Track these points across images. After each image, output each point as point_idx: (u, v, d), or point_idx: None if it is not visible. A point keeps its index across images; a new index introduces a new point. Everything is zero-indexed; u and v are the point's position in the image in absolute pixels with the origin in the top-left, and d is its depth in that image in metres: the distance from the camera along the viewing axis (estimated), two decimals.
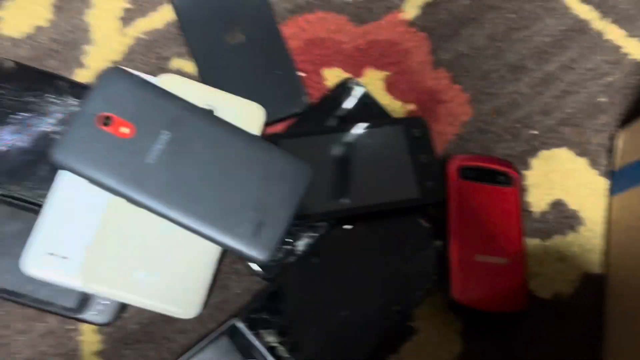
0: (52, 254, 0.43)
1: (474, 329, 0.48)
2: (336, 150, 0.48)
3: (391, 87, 0.53)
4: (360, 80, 0.52)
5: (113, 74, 0.43)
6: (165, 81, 0.46)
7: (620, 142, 0.52)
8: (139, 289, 0.42)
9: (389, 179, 0.48)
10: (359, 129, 0.48)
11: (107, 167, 0.41)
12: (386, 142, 0.48)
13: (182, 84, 0.46)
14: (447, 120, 0.53)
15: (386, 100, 0.52)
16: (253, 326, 0.43)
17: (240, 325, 0.43)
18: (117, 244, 0.43)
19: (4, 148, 0.45)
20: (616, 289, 0.49)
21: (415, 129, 0.49)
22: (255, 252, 0.42)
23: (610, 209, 0.52)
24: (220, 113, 0.46)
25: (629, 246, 0.48)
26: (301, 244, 0.47)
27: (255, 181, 0.43)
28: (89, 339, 0.45)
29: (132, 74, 0.44)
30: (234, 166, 0.43)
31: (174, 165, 0.42)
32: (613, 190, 0.52)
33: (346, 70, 0.53)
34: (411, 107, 0.53)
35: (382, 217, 0.48)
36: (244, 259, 0.45)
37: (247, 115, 0.47)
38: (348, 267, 0.46)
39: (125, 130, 0.42)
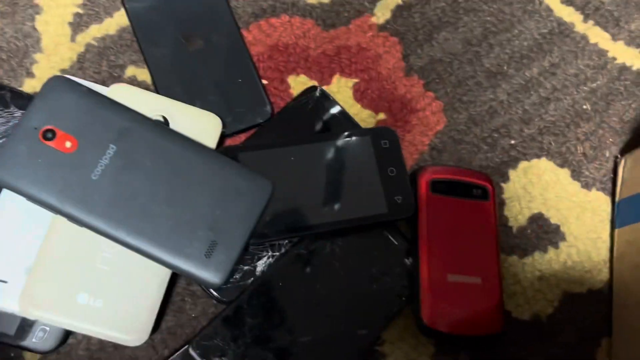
0: None
1: (446, 353, 0.45)
2: (299, 164, 0.45)
3: (361, 95, 0.50)
4: (328, 88, 0.50)
5: (56, 83, 0.40)
6: (116, 91, 0.43)
7: (623, 170, 0.49)
8: (83, 315, 0.39)
9: (355, 193, 0.45)
10: (324, 140, 0.45)
11: (48, 184, 0.38)
12: (353, 154, 0.45)
13: (134, 94, 0.44)
14: (420, 130, 0.50)
15: (355, 109, 0.49)
16: (206, 354, 0.40)
17: (193, 354, 0.40)
18: (59, 266, 0.40)
19: None
20: (622, 333, 0.46)
21: (383, 140, 0.46)
22: (208, 276, 0.39)
23: (612, 242, 0.49)
24: (174, 124, 0.43)
25: (633, 285, 0.45)
26: (260, 264, 0.44)
27: (208, 198, 0.40)
28: None
29: (76, 84, 0.41)
30: (186, 182, 0.40)
31: (121, 181, 0.39)
32: (617, 223, 0.49)
33: (313, 78, 0.50)
34: (382, 116, 0.50)
35: (347, 234, 0.45)
36: (197, 282, 0.43)
37: (202, 126, 0.44)
38: (310, 288, 0.43)
39: (68, 144, 0.39)
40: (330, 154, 0.45)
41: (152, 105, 0.43)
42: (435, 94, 0.51)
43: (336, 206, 0.44)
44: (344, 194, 0.44)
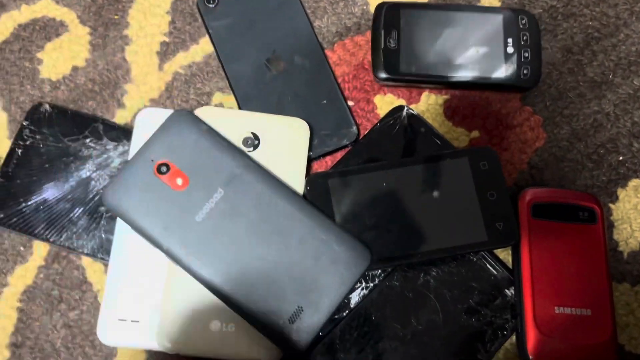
0: (122, 320, 0.41)
1: None
2: (391, 189, 0.43)
3: (452, 112, 0.47)
4: (417, 106, 0.47)
5: (179, 118, 0.40)
6: (203, 114, 0.43)
7: None
8: (218, 342, 0.39)
9: (452, 220, 0.42)
10: (417, 163, 0.43)
11: (154, 218, 0.39)
12: (449, 178, 0.43)
13: (220, 114, 0.43)
14: (518, 147, 0.47)
15: (446, 127, 0.47)
16: None
17: None
18: (188, 298, 0.40)
19: (41, 197, 0.44)
20: None
21: (482, 161, 0.43)
22: (289, 342, 0.38)
23: None
24: (264, 137, 0.43)
25: None
26: (354, 296, 0.42)
27: (304, 261, 0.39)
28: None
29: (198, 120, 0.41)
30: (285, 240, 0.39)
31: (222, 227, 0.39)
32: None
33: (400, 97, 0.48)
34: (475, 134, 0.47)
35: (443, 264, 0.43)
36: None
37: (291, 132, 0.44)
38: (406, 322, 0.41)
39: (180, 181, 0.39)
40: (423, 178, 0.43)
41: (238, 122, 0.43)
42: (533, 108, 0.47)
43: (431, 234, 0.42)
44: (440, 221, 0.42)
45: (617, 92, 0.47)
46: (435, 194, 0.43)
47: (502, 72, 0.46)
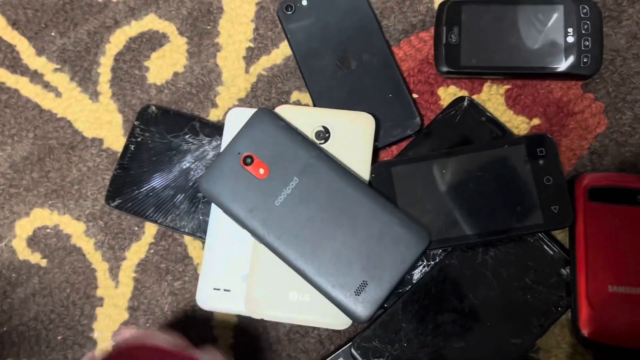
0: (216, 289, 0.48)
1: None
2: (451, 175, 0.46)
3: (513, 101, 0.50)
4: (479, 97, 0.50)
5: (262, 115, 0.47)
6: (281, 111, 0.49)
7: None
8: (296, 309, 0.46)
9: (509, 204, 0.45)
10: (476, 151, 0.47)
11: (241, 202, 0.45)
12: (506, 163, 0.46)
13: (295, 111, 0.49)
14: (579, 134, 0.48)
15: (507, 116, 0.50)
16: (365, 354, 0.45)
17: (355, 353, 0.45)
18: (271, 271, 0.47)
19: (150, 185, 0.52)
20: None
21: (539, 147, 0.46)
22: (354, 311, 0.43)
23: None
24: (334, 130, 0.48)
25: None
26: (416, 272, 0.47)
27: (368, 240, 0.44)
28: (224, 351, 0.50)
29: (278, 117, 0.47)
30: (351, 222, 0.44)
31: (297, 211, 0.45)
32: None
33: (463, 88, 0.51)
34: (536, 121, 0.49)
35: (501, 244, 0.46)
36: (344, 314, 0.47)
37: (358, 125, 0.48)
38: (464, 297, 0.45)
39: (262, 171, 0.46)
40: (482, 164, 0.46)
41: (311, 117, 0.49)
42: (595, 94, 0.49)
43: (489, 217, 0.45)
44: (497, 204, 0.45)
45: None
46: (494, 179, 0.46)
47: (562, 61, 0.48)
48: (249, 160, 0.46)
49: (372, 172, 0.47)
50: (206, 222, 0.50)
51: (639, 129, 0.48)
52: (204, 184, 0.46)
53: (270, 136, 0.46)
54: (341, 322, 0.45)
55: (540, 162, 0.45)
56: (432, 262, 0.47)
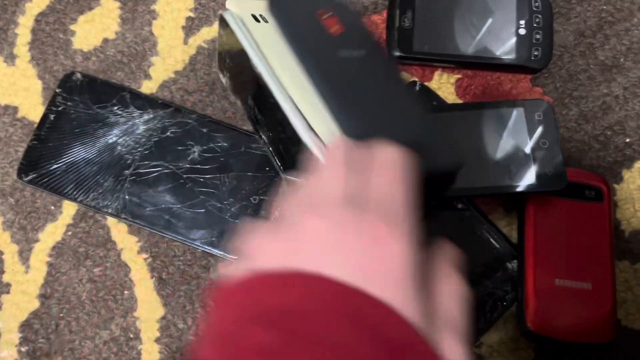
0: None
1: None
2: (449, 128, 0.45)
3: (463, 91, 0.49)
4: (429, 84, 0.49)
5: None
6: None
7: None
8: None
9: (505, 163, 0.44)
10: (475, 109, 0.46)
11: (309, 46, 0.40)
12: (505, 124, 0.45)
13: None
14: None
15: None
16: None
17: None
18: None
19: (70, 160, 0.47)
20: None
21: (537, 112, 0.45)
22: None
23: None
24: None
25: None
26: None
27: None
28: (149, 348, 0.45)
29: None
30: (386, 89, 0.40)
31: (351, 71, 0.40)
32: None
33: (414, 74, 0.49)
34: None
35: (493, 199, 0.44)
36: None
37: None
38: None
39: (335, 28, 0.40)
40: (481, 123, 0.45)
41: None
42: (543, 89, 0.49)
43: (485, 173, 0.44)
44: (494, 162, 0.44)
45: (628, 75, 0.48)
46: (492, 137, 0.45)
47: (514, 52, 0.47)
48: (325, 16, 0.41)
49: None
50: (132, 203, 0.46)
51: (584, 125, 0.48)
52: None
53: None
54: None
55: (538, 126, 0.45)
56: None
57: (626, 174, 0.47)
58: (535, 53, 0.47)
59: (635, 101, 0.48)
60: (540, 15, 0.48)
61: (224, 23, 0.42)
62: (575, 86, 0.49)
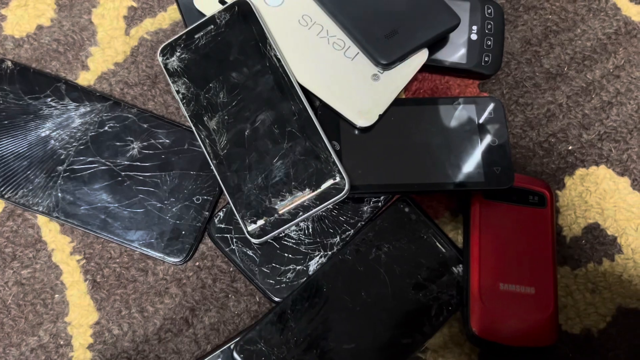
0: None
1: None
2: (399, 123, 0.45)
3: (412, 94, 0.49)
4: None
5: None
6: None
7: None
8: None
9: (453, 160, 0.44)
10: (426, 104, 0.46)
11: None
12: (456, 120, 0.45)
13: None
14: None
15: None
16: (249, 357, 0.40)
17: (237, 357, 0.40)
18: None
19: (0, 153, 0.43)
20: None
21: (488, 110, 0.45)
22: (379, 53, 0.44)
23: None
24: None
25: None
26: (312, 264, 0.43)
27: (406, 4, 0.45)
28: (80, 355, 0.43)
29: None
30: None
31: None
32: None
33: None
34: None
35: (395, 240, 0.44)
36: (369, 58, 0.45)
37: None
38: (356, 295, 0.42)
39: None
40: (431, 118, 0.45)
41: None
42: (490, 95, 0.49)
43: (433, 169, 0.43)
44: (442, 158, 0.44)
45: (571, 84, 0.49)
46: (441, 133, 0.44)
47: (465, 57, 0.47)
48: None
49: (318, 109, 0.44)
50: (65, 200, 0.43)
51: (529, 132, 0.48)
52: None
53: None
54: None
55: (488, 124, 0.45)
56: (330, 253, 0.44)
57: (568, 181, 0.48)
58: (486, 59, 0.47)
59: (577, 110, 0.49)
60: (492, 22, 0.48)
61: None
62: (522, 93, 0.49)
